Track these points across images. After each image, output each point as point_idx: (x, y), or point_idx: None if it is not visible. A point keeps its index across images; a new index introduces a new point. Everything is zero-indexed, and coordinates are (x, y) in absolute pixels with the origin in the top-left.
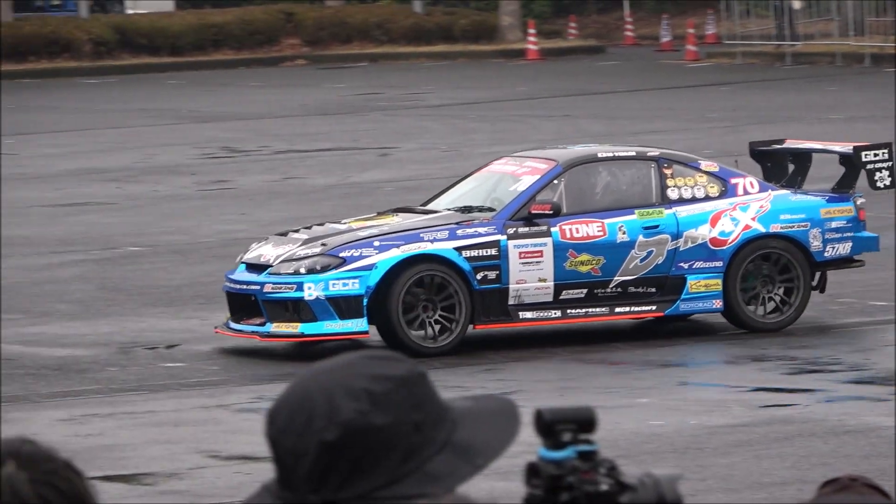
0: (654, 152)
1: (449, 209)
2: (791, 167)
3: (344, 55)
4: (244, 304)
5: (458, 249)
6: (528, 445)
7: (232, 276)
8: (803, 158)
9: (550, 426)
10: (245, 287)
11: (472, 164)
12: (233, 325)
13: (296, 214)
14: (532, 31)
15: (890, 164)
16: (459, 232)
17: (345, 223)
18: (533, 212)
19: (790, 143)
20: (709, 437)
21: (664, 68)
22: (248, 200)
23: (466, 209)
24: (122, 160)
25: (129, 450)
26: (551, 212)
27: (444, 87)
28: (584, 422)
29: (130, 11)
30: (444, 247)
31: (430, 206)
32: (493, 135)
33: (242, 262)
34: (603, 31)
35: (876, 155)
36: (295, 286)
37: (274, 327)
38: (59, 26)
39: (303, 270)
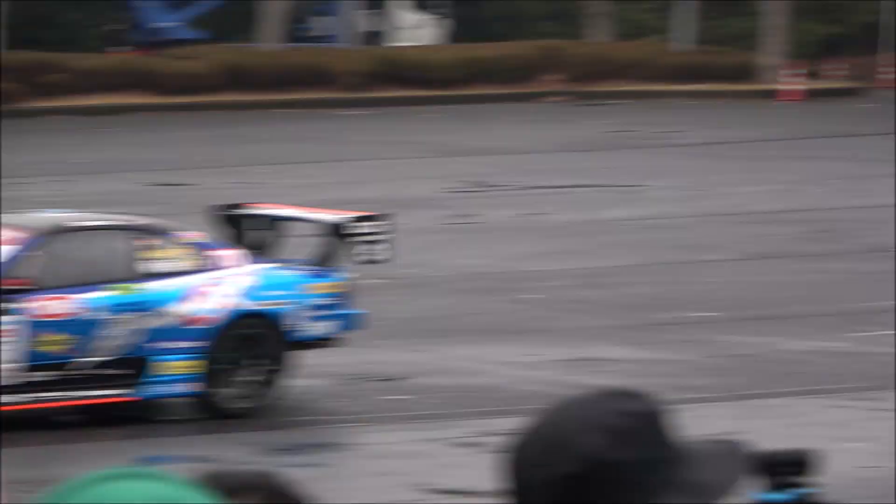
0: (128, 222)
1: None
2: (265, 234)
3: (604, 92)
4: None
5: None
6: None
7: None
8: (279, 226)
9: (771, 467)
10: None
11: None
12: None
13: (538, 250)
14: (791, 71)
15: (378, 236)
16: None
17: None
18: (5, 287)
19: (262, 208)
20: None
21: None
22: (489, 235)
23: None
24: (373, 192)
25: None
26: (27, 287)
27: (699, 127)
28: (803, 463)
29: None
30: None
31: None
32: (741, 175)
33: None
34: (867, 72)
35: (363, 227)
36: None
37: None
38: (317, 56)
39: None
